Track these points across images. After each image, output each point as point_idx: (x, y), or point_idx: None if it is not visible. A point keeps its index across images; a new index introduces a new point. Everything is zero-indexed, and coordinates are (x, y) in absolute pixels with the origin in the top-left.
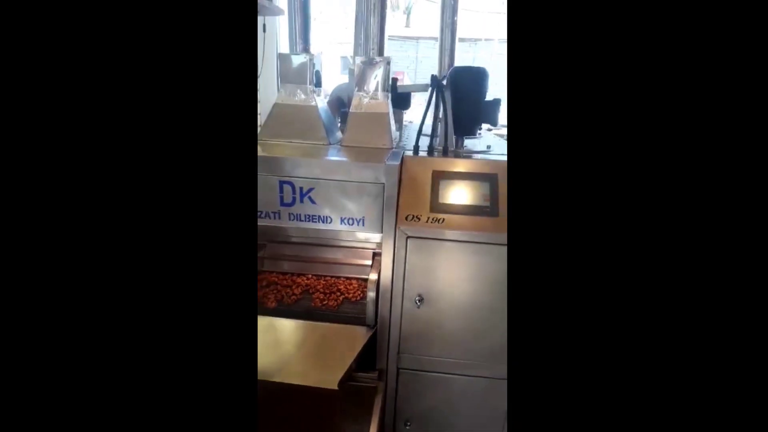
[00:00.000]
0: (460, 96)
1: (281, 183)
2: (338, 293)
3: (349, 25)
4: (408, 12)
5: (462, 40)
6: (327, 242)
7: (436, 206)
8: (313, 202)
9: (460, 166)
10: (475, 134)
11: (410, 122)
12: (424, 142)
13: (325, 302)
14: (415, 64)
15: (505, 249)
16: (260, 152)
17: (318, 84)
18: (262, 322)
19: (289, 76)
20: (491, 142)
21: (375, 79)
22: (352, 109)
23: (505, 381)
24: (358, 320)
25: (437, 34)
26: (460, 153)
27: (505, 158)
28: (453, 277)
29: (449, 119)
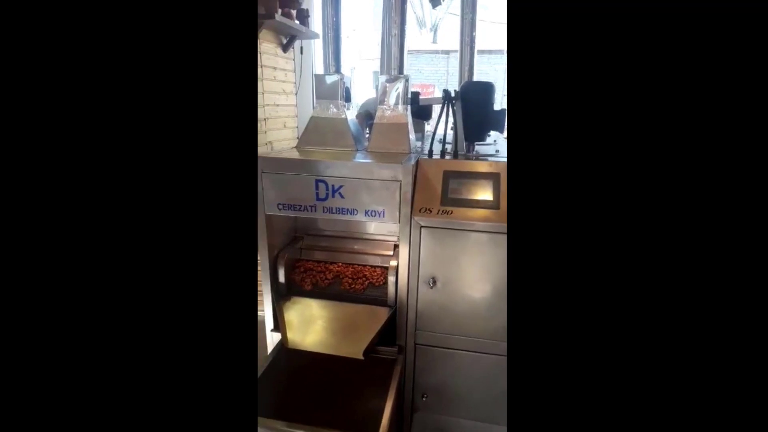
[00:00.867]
0: (469, 107)
1: (317, 181)
2: (364, 279)
3: (378, 41)
4: (434, 29)
5: (481, 52)
6: (355, 235)
7: (446, 200)
8: (342, 197)
9: (468, 166)
10: (484, 140)
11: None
12: (439, 148)
13: (352, 286)
14: (446, 76)
15: (505, 237)
16: (299, 156)
17: (348, 99)
18: (300, 302)
19: (322, 93)
20: (501, 147)
21: (396, 92)
22: (376, 120)
23: None
24: (381, 302)
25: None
26: (470, 156)
27: None
28: (461, 262)
29: (459, 127)
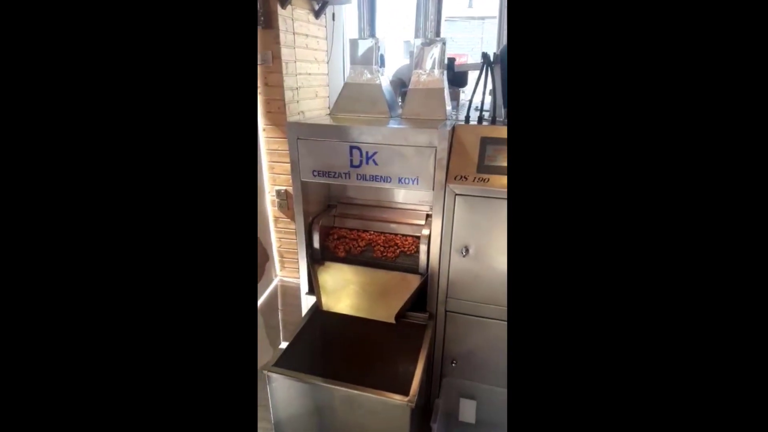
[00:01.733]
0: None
1: (351, 148)
2: (395, 247)
3: (410, 12)
4: None
5: None
6: (385, 204)
7: (482, 168)
8: (376, 163)
9: (506, 132)
10: None
11: (468, 101)
12: (476, 116)
13: (384, 254)
14: (481, 44)
15: None
16: (332, 123)
17: (382, 65)
18: (334, 267)
19: (357, 58)
20: None
21: (432, 58)
22: (411, 86)
23: None
24: (412, 269)
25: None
26: None
27: None
28: (495, 231)
29: (498, 92)
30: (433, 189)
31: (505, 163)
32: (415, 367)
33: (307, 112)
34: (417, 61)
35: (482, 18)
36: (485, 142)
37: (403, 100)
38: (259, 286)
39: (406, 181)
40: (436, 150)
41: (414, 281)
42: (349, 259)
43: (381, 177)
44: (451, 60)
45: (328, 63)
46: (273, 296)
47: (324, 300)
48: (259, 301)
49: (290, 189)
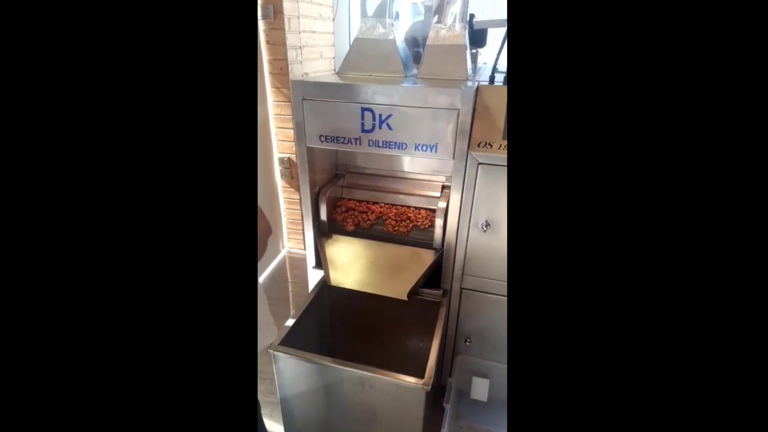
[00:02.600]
0: None
1: (363, 109)
2: (408, 221)
3: None
4: None
5: None
6: (398, 174)
7: None
8: (390, 128)
9: None
10: None
11: (485, 63)
12: (500, 78)
13: (396, 228)
14: (491, 7)
15: None
16: (341, 81)
17: (396, 18)
18: (342, 240)
19: (369, 11)
20: None
21: (452, 11)
22: (428, 42)
23: None
24: (426, 245)
25: None
26: None
27: None
28: None
29: None
30: (454, 157)
31: None
32: (430, 346)
33: (311, 74)
34: (436, 13)
35: None
36: None
37: (416, 62)
38: (265, 258)
39: (424, 148)
40: (458, 113)
41: (428, 257)
42: (358, 233)
43: (395, 144)
44: (471, 15)
45: (333, 20)
46: (282, 268)
47: (332, 275)
48: (266, 274)
49: (293, 157)
